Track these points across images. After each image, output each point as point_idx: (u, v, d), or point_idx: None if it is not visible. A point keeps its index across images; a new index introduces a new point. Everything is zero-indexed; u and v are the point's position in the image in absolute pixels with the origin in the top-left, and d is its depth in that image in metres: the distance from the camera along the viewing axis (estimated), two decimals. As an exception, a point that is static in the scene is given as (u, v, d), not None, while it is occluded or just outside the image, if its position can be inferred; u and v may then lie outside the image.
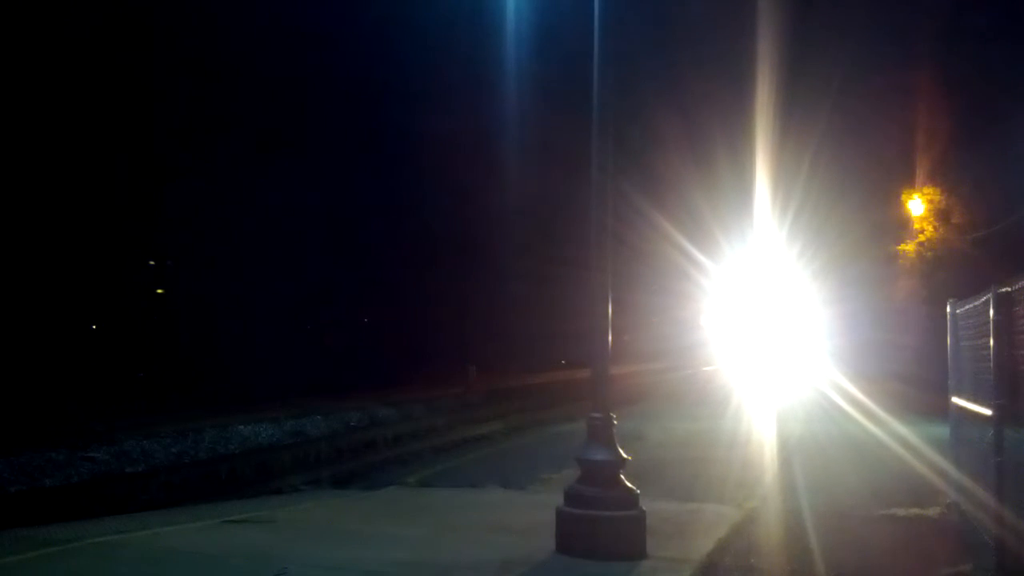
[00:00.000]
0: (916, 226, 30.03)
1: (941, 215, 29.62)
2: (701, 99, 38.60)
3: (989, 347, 7.02)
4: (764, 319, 38.76)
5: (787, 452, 14.49)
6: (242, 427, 19.33)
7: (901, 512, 9.58)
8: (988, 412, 7.13)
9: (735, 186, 33.78)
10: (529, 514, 8.77)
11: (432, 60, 41.87)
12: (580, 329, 7.88)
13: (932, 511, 9.55)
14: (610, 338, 7.57)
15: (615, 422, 7.38)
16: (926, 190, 29.92)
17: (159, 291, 38.35)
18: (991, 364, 6.99)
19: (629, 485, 7.26)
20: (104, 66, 30.68)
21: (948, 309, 9.58)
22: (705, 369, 43.14)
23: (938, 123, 29.56)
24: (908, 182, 30.67)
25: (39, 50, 28.34)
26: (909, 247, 30.29)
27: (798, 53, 30.96)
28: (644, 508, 7.27)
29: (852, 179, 31.13)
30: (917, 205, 29.91)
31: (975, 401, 7.87)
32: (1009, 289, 6.75)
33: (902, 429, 15.92)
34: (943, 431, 11.24)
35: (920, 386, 21.39)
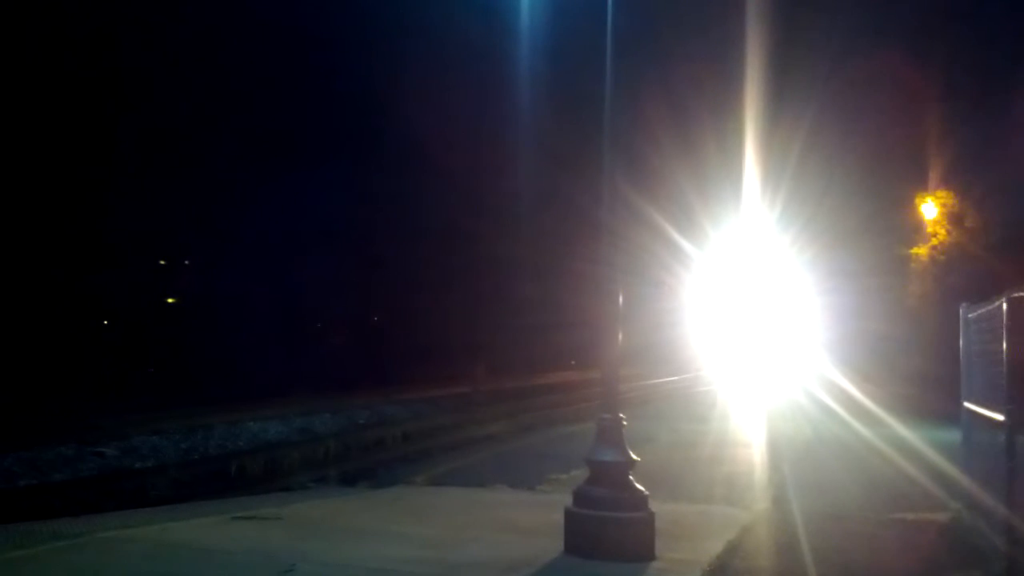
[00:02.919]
0: (929, 229, 29.86)
1: (954, 218, 29.45)
2: (688, 76, 36.86)
3: (1002, 352, 6.99)
4: (755, 314, 36.81)
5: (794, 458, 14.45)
6: (251, 424, 19.39)
7: (911, 516, 9.53)
8: (1000, 417, 7.09)
9: (723, 167, 31.86)
10: (537, 514, 8.75)
11: (434, 58, 41.83)
12: (589, 329, 7.86)
13: (942, 516, 9.49)
14: (620, 338, 7.55)
15: (624, 423, 7.36)
16: (939, 193, 29.76)
17: (170, 300, 38.45)
18: (1004, 369, 6.96)
19: (638, 486, 7.24)
20: (107, 64, 30.85)
21: (961, 313, 9.53)
22: (696, 375, 40.95)
23: (942, 117, 29.37)
24: (900, 169, 30.32)
25: (44, 47, 28.49)
26: (922, 250, 30.13)
27: (793, 43, 30.56)
28: (653, 510, 7.25)
29: (851, 169, 30.72)
30: (930, 208, 29.76)
31: (987, 406, 7.83)
32: (1023, 294, 6.73)
33: (910, 433, 15.85)
34: (951, 436, 11.19)
35: (929, 389, 21.21)
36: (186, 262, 39.49)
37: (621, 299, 7.59)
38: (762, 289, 36.22)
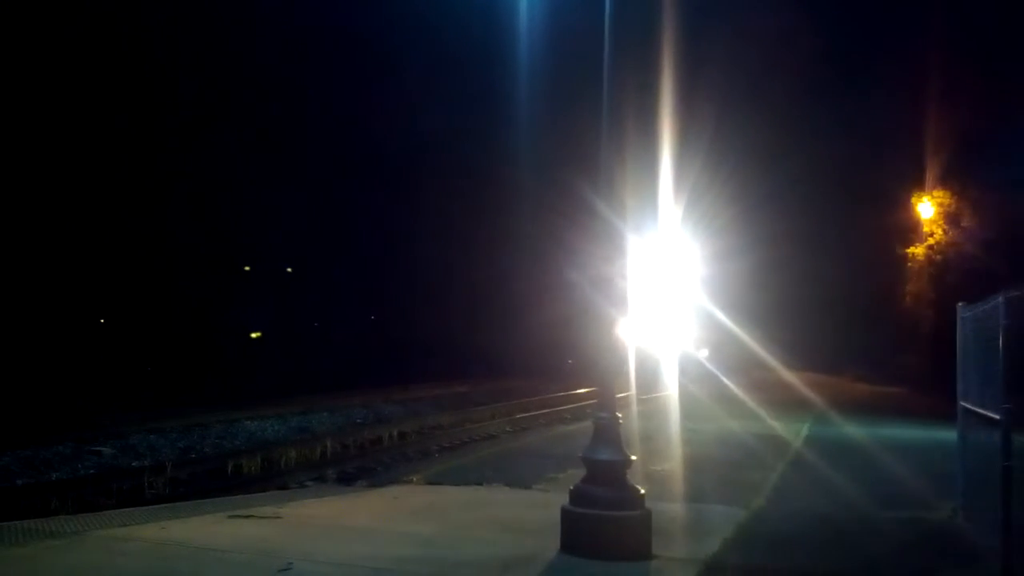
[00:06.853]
0: (925, 229, 29.88)
1: (951, 218, 29.46)
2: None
3: (998, 351, 7.01)
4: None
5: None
6: (248, 423, 19.42)
7: (906, 515, 9.54)
8: (996, 416, 7.11)
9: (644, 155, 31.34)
10: (534, 513, 8.77)
11: (437, 60, 41.89)
12: (587, 330, 7.87)
13: (937, 515, 9.51)
14: (616, 337, 7.56)
15: (621, 422, 7.37)
16: (936, 193, 29.78)
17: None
18: (1000, 368, 6.98)
19: (635, 485, 7.25)
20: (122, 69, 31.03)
21: (958, 312, 9.54)
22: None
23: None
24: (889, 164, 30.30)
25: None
26: (919, 250, 30.16)
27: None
28: (650, 508, 7.26)
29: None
30: (927, 208, 29.78)
31: (982, 406, 7.85)
32: (1020, 293, 6.75)
33: (904, 432, 15.86)
34: (946, 435, 11.19)
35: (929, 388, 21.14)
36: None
37: (622, 293, 7.59)
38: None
